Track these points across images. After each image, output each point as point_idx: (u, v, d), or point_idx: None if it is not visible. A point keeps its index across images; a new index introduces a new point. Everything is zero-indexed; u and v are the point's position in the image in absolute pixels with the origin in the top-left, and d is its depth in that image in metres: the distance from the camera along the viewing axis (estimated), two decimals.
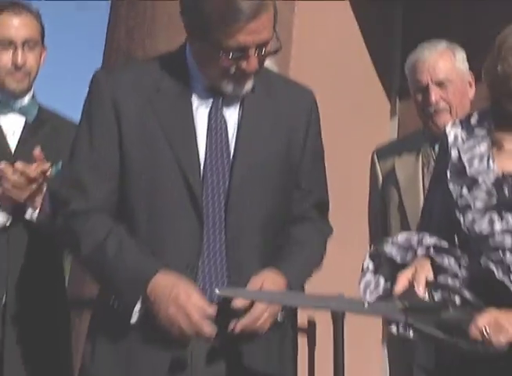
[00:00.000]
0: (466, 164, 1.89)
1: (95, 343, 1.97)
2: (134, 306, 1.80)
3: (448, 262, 1.86)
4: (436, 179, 2.02)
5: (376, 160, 2.82)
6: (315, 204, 2.02)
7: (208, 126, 1.90)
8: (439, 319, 1.82)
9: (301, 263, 1.98)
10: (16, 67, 2.49)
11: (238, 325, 1.80)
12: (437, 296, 1.89)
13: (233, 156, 1.91)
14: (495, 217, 1.83)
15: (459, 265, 1.87)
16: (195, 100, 1.89)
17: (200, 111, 1.89)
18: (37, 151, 2.33)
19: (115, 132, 1.89)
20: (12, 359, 2.43)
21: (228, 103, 1.91)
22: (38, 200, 2.42)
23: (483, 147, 1.92)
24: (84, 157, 1.93)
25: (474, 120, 1.95)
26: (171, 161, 1.88)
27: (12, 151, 2.50)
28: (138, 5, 4.10)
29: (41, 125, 2.55)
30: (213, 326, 1.77)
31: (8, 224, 2.44)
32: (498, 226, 1.81)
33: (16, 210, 2.43)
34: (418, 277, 1.79)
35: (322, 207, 2.04)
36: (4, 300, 2.41)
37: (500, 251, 1.84)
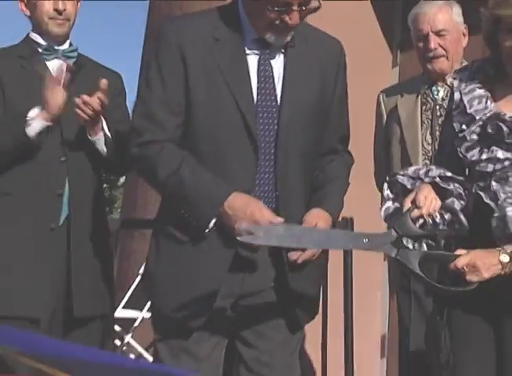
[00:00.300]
0: (467, 105, 2.04)
1: (159, 250, 2.11)
2: (210, 220, 1.96)
3: (452, 186, 2.01)
4: (446, 119, 2.19)
5: (382, 100, 2.97)
6: (340, 139, 2.19)
7: (258, 73, 2.03)
8: (426, 254, 1.96)
9: (338, 198, 2.14)
10: (58, 13, 2.58)
11: (300, 258, 1.95)
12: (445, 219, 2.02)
13: (280, 99, 2.03)
14: (485, 148, 2.00)
15: (464, 189, 2.02)
16: (246, 50, 2.02)
17: (251, 59, 2.03)
18: (104, 82, 2.46)
19: (182, 74, 2.01)
20: (77, 270, 2.56)
21: (274, 53, 2.04)
22: (97, 127, 2.53)
23: (481, 91, 2.05)
24: (157, 95, 2.03)
25: (474, 68, 2.11)
26: (229, 102, 2.00)
27: None
28: None
29: (80, 68, 2.67)
30: None
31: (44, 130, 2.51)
32: (484, 156, 1.99)
33: (79, 131, 2.55)
34: (417, 198, 1.95)
35: (345, 140, 2.21)
36: (67, 214, 2.56)
37: (486, 178, 2.00)
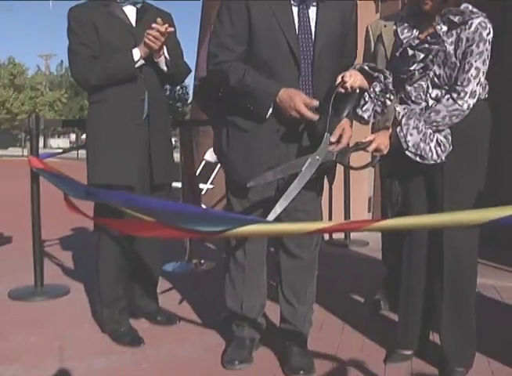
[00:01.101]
0: (400, 33, 2.51)
1: (229, 136, 2.53)
2: (269, 108, 2.35)
3: (378, 74, 2.46)
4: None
5: (370, 30, 3.50)
6: (352, 60, 2.60)
7: (298, 17, 2.43)
8: (354, 149, 2.38)
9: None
10: None
11: (339, 146, 2.36)
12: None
13: (314, 34, 2.43)
14: (410, 52, 2.46)
15: (385, 78, 2.47)
16: (292, 1, 2.43)
17: (294, 9, 2.44)
18: (159, 20, 2.85)
19: (245, 14, 2.41)
20: (155, 151, 3.02)
21: (309, 5, 2.45)
22: (160, 52, 2.91)
23: (411, 23, 2.50)
24: (227, 29, 2.44)
25: (411, 7, 2.53)
26: (279, 35, 2.39)
27: (134, 27, 3.01)
28: None
29: (145, 11, 3.04)
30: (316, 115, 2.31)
31: (143, 62, 2.93)
32: (405, 67, 2.46)
33: (149, 56, 2.95)
34: (344, 74, 2.34)
35: (354, 60, 2.63)
36: (147, 113, 2.96)
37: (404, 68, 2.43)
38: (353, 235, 5.73)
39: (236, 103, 2.46)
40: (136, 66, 2.87)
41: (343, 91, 2.33)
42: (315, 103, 2.31)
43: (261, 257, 2.71)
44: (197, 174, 5.66)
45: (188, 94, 39.44)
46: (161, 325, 3.34)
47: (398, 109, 2.45)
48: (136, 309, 3.33)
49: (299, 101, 2.32)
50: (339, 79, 2.34)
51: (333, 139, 2.32)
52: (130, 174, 2.88)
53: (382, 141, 2.41)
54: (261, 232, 2.02)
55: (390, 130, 2.46)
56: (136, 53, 2.86)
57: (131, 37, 2.91)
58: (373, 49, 3.48)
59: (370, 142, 2.40)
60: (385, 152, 2.41)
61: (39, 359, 2.87)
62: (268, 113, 2.36)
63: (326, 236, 5.69)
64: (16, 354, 2.93)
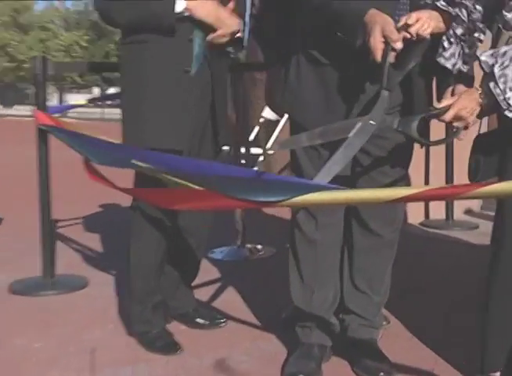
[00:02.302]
0: None
1: (300, 66, 2.70)
2: (357, 30, 2.42)
3: (456, 10, 2.42)
4: None
5: None
6: None
7: None
8: (422, 117, 2.41)
9: None
10: None
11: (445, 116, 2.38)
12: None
13: None
14: None
15: (469, 14, 2.42)
16: None
17: None
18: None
19: None
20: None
21: None
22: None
23: None
24: None
25: None
26: None
27: None
28: None
29: None
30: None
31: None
32: None
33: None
34: (409, 16, 2.37)
35: None
36: (199, 58, 3.03)
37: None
38: (457, 215, 5.83)
39: (312, 30, 2.61)
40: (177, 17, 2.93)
41: (408, 36, 2.36)
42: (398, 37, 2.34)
43: (337, 231, 2.84)
44: (254, 136, 5.91)
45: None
46: (203, 328, 3.43)
47: (483, 58, 2.39)
48: (168, 307, 3.44)
49: (378, 28, 2.36)
50: (402, 20, 2.37)
51: (439, 105, 2.37)
52: (182, 135, 3.01)
53: (465, 105, 2.37)
54: (329, 199, 2.07)
55: (475, 89, 2.42)
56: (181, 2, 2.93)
57: None
58: None
59: (447, 108, 2.38)
60: (470, 121, 2.38)
61: (44, 370, 2.93)
62: (359, 38, 2.42)
63: (421, 216, 5.80)
64: (15, 363, 2.99)
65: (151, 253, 3.16)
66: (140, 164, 2.53)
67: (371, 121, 2.35)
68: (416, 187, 2.00)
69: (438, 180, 5.66)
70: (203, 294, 3.67)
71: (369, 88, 2.60)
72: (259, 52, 3.28)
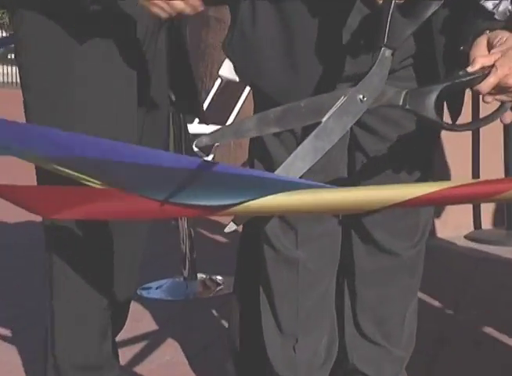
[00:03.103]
0: None
1: (255, 8, 2.37)
2: None
3: None
4: None
5: None
6: None
7: None
8: (444, 87, 2.08)
9: None
10: None
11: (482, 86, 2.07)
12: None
13: None
14: None
15: None
16: None
17: None
18: None
19: None
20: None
21: None
22: None
23: None
24: None
25: None
26: None
27: None
28: None
29: None
30: None
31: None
32: None
33: None
34: None
35: None
36: None
37: None
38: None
39: None
40: None
41: None
42: None
43: (329, 247, 2.53)
44: (207, 105, 5.44)
45: None
46: None
47: None
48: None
49: None
50: None
51: (471, 69, 2.06)
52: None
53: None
54: (303, 204, 1.78)
55: None
56: None
57: None
58: None
59: (483, 71, 2.05)
60: None
61: None
62: None
63: (467, 225, 5.26)
64: None
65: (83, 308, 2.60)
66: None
67: (360, 96, 2.05)
68: (431, 184, 1.82)
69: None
70: (130, 354, 3.14)
71: (362, 41, 2.34)
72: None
